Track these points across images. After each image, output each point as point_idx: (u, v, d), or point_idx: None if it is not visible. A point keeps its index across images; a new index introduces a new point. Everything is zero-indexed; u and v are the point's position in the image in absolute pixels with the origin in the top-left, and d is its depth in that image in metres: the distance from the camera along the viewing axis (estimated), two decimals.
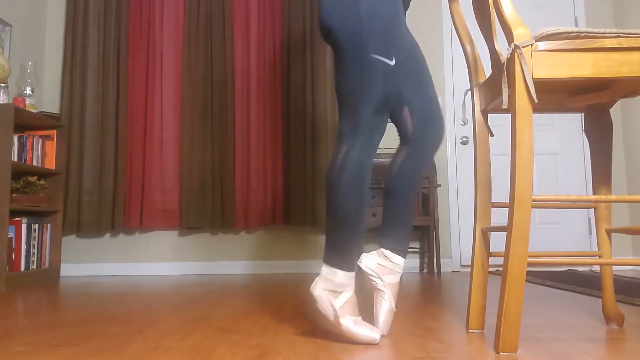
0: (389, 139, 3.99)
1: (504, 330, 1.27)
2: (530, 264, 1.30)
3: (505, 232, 1.38)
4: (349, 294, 1.43)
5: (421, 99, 1.61)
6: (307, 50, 3.90)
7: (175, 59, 3.97)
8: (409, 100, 1.61)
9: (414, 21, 4.10)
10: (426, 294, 2.50)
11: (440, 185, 3.68)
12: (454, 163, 3.97)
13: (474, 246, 1.57)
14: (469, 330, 1.57)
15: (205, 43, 3.93)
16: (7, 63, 3.24)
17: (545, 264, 1.31)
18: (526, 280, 2.99)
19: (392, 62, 1.45)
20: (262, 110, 3.90)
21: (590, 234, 3.92)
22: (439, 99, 4.00)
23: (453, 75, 4.06)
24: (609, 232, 1.60)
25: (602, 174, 1.63)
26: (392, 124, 4.04)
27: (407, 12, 1.65)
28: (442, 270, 3.84)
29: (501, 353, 1.28)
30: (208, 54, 3.92)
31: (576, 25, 4.12)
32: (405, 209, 1.59)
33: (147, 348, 1.38)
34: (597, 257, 1.61)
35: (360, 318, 1.45)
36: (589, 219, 3.94)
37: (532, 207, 1.32)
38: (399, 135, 1.65)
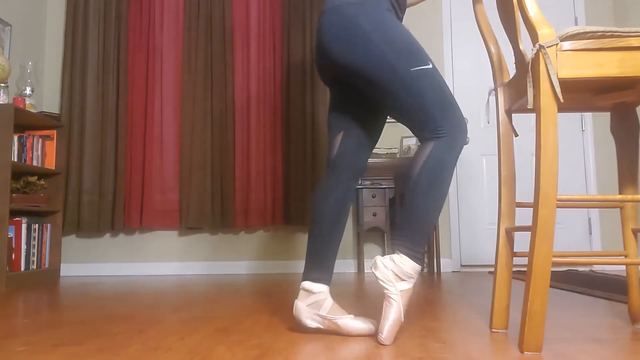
0: (388, 139, 3.99)
1: (528, 330, 1.27)
2: (555, 264, 1.31)
3: (528, 233, 1.38)
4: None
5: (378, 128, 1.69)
6: (307, 49, 3.89)
7: (175, 59, 3.97)
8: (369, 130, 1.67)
9: (414, 21, 4.10)
10: (426, 294, 2.50)
11: None
12: None
13: (498, 246, 1.57)
14: (493, 330, 1.57)
15: (206, 43, 3.93)
16: (7, 63, 3.24)
17: (570, 263, 1.30)
18: (524, 281, 2.98)
19: (430, 66, 1.46)
20: (262, 110, 3.90)
21: (590, 234, 3.92)
22: None
23: (453, 75, 4.06)
24: (635, 232, 1.59)
25: (628, 173, 1.62)
26: (390, 123, 4.01)
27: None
28: (442, 270, 3.84)
29: (525, 352, 1.28)
30: (208, 53, 3.92)
31: (576, 25, 4.12)
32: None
33: (147, 348, 1.38)
34: (623, 257, 1.60)
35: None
36: (589, 218, 3.93)
37: (557, 207, 1.32)
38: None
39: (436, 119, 1.44)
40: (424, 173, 1.43)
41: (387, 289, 1.42)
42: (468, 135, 4.00)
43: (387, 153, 3.85)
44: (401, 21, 1.63)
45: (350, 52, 1.46)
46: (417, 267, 1.44)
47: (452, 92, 1.51)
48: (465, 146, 4.00)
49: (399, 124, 4.00)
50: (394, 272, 1.43)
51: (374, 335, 1.49)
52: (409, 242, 1.44)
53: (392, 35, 1.44)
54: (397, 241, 1.46)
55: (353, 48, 1.45)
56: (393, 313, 1.40)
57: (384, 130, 3.99)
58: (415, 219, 1.45)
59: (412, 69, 1.43)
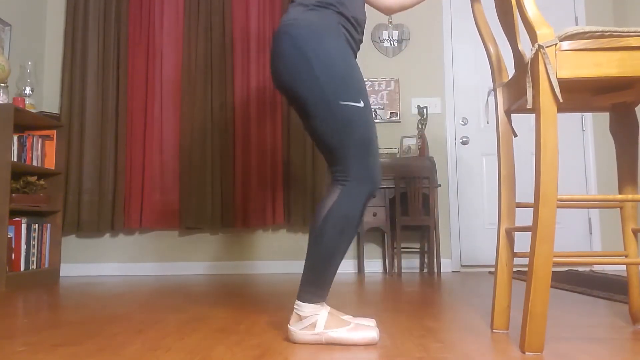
0: (388, 139, 3.99)
1: (529, 330, 1.28)
2: (555, 264, 1.31)
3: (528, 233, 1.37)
4: (324, 315, 1.43)
5: None
6: None
7: (176, 58, 3.97)
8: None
9: (414, 21, 4.10)
10: (426, 294, 2.50)
11: (440, 185, 3.68)
12: (454, 163, 3.97)
13: (498, 246, 1.57)
14: (493, 330, 1.57)
15: (205, 42, 3.92)
16: (7, 63, 3.24)
17: (570, 263, 1.30)
18: (524, 281, 2.98)
19: (361, 104, 1.46)
20: (262, 109, 3.90)
21: (591, 234, 3.92)
22: (439, 99, 4.03)
23: (453, 75, 4.06)
24: (635, 232, 1.59)
25: (628, 173, 1.61)
26: (390, 123, 4.01)
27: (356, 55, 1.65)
28: (442, 270, 3.84)
29: (527, 353, 1.28)
30: (208, 53, 3.92)
31: (576, 25, 4.12)
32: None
33: (147, 348, 1.38)
34: (623, 257, 1.60)
35: (352, 324, 1.43)
36: (589, 218, 3.93)
37: (557, 207, 1.31)
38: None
39: (349, 162, 1.44)
40: (329, 222, 1.43)
41: (321, 341, 1.42)
42: (467, 136, 4.00)
43: (387, 153, 3.85)
44: (359, 44, 1.62)
45: (289, 72, 1.47)
46: (316, 305, 1.44)
47: (376, 138, 1.49)
48: (465, 146, 4.00)
49: (398, 123, 4.00)
50: (307, 326, 1.43)
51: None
52: (312, 288, 1.45)
53: (330, 63, 1.45)
54: (300, 287, 1.46)
55: (292, 69, 1.47)
56: (345, 336, 1.41)
57: (384, 130, 3.99)
58: (317, 266, 1.45)
59: (340, 102, 1.43)
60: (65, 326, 1.72)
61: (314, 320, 1.43)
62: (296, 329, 1.44)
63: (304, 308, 1.44)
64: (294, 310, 1.46)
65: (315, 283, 1.45)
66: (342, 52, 1.48)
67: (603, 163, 3.98)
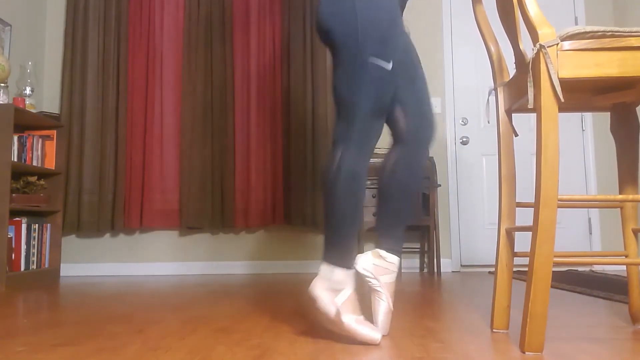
0: (388, 139, 3.99)
1: (529, 330, 1.28)
2: (555, 264, 1.31)
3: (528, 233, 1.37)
4: (349, 291, 1.44)
5: (415, 98, 1.60)
6: (307, 49, 3.89)
7: (175, 59, 3.97)
8: (402, 100, 1.59)
9: (414, 22, 4.10)
10: (426, 294, 2.50)
11: (440, 185, 3.67)
12: (454, 163, 3.97)
13: (498, 246, 1.57)
14: (493, 330, 1.57)
15: (205, 43, 3.92)
16: (7, 63, 3.24)
17: (571, 263, 1.30)
18: (524, 281, 2.98)
19: (389, 66, 1.46)
20: (262, 109, 3.90)
21: (591, 234, 3.92)
22: (439, 99, 4.02)
23: (453, 76, 4.06)
24: (635, 232, 1.59)
25: (628, 173, 1.62)
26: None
27: (403, 11, 1.65)
28: (442, 270, 3.84)
29: (527, 353, 1.28)
30: (208, 53, 3.92)
31: (576, 25, 4.12)
32: (401, 209, 1.57)
33: (147, 348, 1.38)
34: (623, 257, 1.60)
35: (362, 317, 1.45)
36: (589, 218, 3.93)
37: (558, 207, 1.32)
38: (392, 134, 1.63)
39: (353, 125, 1.45)
40: (339, 180, 1.44)
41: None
42: (467, 136, 4.00)
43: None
44: None
45: (334, 18, 1.47)
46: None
47: (386, 106, 1.50)
48: (465, 146, 4.00)
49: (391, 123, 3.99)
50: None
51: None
52: (333, 250, 1.47)
53: (375, 17, 1.44)
54: (324, 249, 1.49)
55: (338, 14, 1.46)
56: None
57: (384, 129, 3.98)
58: (333, 226, 1.46)
59: (370, 59, 1.43)
60: (65, 326, 1.72)
61: (340, 288, 1.42)
62: (321, 285, 1.43)
63: (334, 272, 1.43)
64: (320, 275, 1.44)
65: (336, 244, 1.44)
66: (391, 5, 1.48)
67: (603, 163, 3.98)
